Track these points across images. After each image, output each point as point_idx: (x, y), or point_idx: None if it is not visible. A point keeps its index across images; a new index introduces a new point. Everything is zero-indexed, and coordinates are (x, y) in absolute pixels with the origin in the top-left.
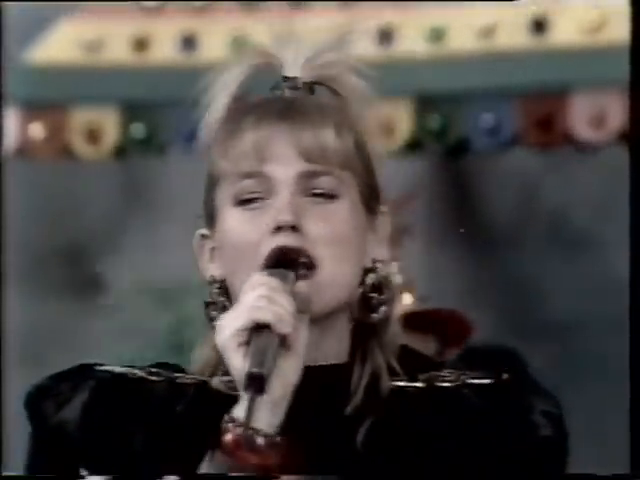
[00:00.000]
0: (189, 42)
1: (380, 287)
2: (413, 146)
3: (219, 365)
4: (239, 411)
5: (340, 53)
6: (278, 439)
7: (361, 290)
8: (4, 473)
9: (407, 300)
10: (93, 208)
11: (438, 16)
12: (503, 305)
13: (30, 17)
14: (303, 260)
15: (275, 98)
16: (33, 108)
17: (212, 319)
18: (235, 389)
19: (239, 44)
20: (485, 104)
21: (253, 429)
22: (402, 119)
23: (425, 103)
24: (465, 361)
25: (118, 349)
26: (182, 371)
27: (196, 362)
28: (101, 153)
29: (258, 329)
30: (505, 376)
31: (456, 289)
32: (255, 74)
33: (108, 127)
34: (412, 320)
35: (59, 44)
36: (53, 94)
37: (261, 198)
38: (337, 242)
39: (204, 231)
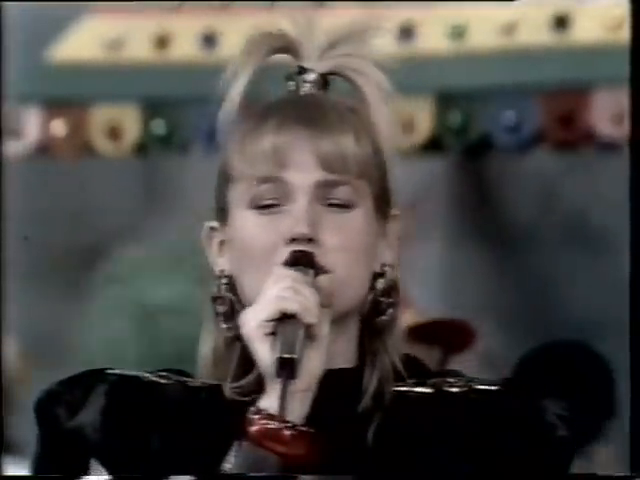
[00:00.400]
0: (210, 39)
1: (389, 291)
2: (434, 144)
3: (228, 365)
4: (265, 402)
5: (359, 45)
6: (304, 429)
7: (371, 295)
8: (4, 473)
9: (407, 316)
10: (114, 205)
11: (459, 13)
12: (523, 305)
13: (51, 15)
14: (318, 269)
15: (294, 99)
16: (54, 106)
17: (218, 314)
18: (245, 394)
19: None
20: (506, 101)
21: (281, 419)
22: (423, 116)
23: (446, 100)
24: (541, 358)
25: (136, 348)
26: (188, 375)
27: (202, 361)
28: (122, 150)
29: (284, 319)
30: (512, 382)
31: (476, 289)
32: (271, 65)
33: (129, 124)
34: (415, 333)
35: (80, 42)
36: (74, 92)
37: (277, 204)
38: (350, 252)
39: (213, 223)
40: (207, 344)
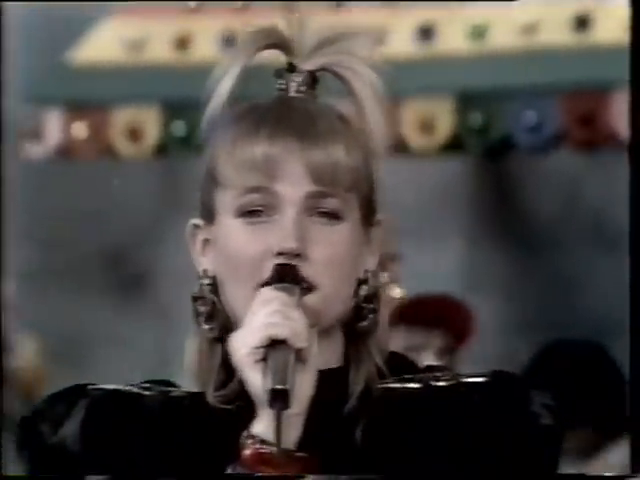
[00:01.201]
0: (229, 40)
1: (371, 297)
2: (454, 144)
3: (211, 370)
4: (258, 427)
5: (349, 44)
6: (299, 454)
7: (354, 301)
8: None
9: (396, 293)
10: (134, 206)
11: (480, 13)
12: (545, 304)
13: (72, 18)
14: (304, 284)
15: (285, 104)
16: (75, 108)
17: (199, 314)
18: (228, 402)
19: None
20: (527, 101)
21: (274, 445)
22: (443, 117)
23: (467, 101)
24: (553, 357)
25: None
26: (173, 385)
27: (187, 367)
28: (142, 152)
29: (274, 345)
30: (499, 374)
31: (496, 288)
32: (260, 61)
33: (149, 126)
34: (411, 311)
35: (101, 44)
36: (95, 94)
37: (265, 213)
38: (337, 266)
39: (197, 221)
40: (190, 348)
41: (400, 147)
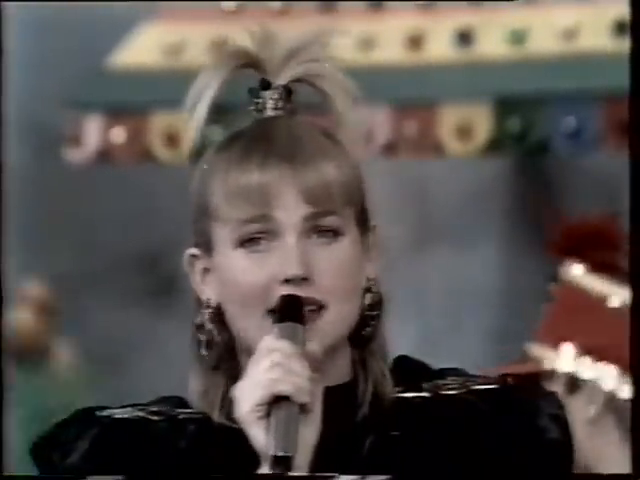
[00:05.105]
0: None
1: (375, 305)
2: (493, 149)
3: (216, 395)
4: (264, 470)
5: (322, 50)
6: None
7: (359, 310)
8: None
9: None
10: (172, 211)
11: (519, 18)
12: None
13: (111, 22)
14: (311, 308)
15: (267, 128)
16: (114, 113)
17: (200, 343)
18: (235, 421)
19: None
20: (566, 107)
21: None
22: (481, 122)
23: (505, 106)
24: None
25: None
26: (184, 404)
27: (191, 392)
28: (180, 157)
29: (277, 401)
30: (510, 381)
31: (532, 293)
32: (236, 76)
33: (187, 131)
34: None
35: (140, 48)
36: (134, 98)
37: (265, 240)
38: (343, 281)
39: (194, 251)
40: (194, 371)
41: (438, 152)
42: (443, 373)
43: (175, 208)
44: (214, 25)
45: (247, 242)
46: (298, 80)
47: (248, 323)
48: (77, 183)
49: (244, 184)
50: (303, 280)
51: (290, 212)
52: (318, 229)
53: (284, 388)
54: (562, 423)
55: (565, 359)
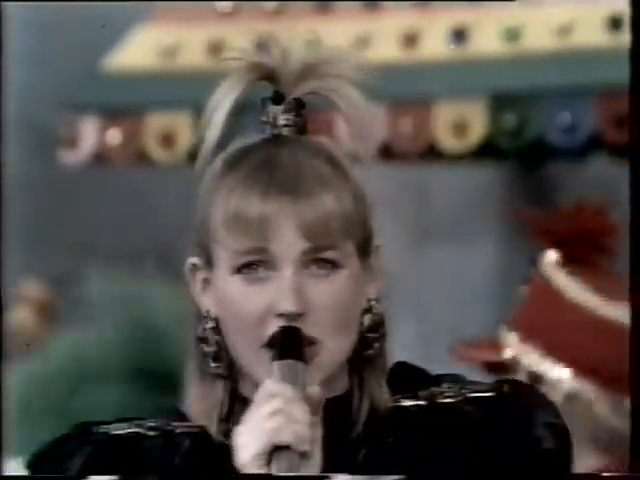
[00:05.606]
0: (262, 46)
1: (376, 326)
2: (488, 146)
3: (214, 408)
4: None
5: (338, 64)
6: None
7: (359, 331)
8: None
9: None
10: (168, 213)
11: (514, 15)
12: None
13: (107, 23)
14: (306, 342)
15: (274, 151)
16: (110, 114)
17: (205, 354)
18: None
19: (313, 46)
20: (562, 103)
21: None
22: (477, 118)
23: (500, 102)
24: None
25: None
26: (182, 416)
27: (190, 405)
28: (176, 158)
29: (278, 449)
30: (506, 388)
31: None
32: (251, 88)
33: (183, 132)
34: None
35: (136, 50)
36: (130, 100)
37: (263, 268)
38: (339, 317)
39: (195, 260)
40: (191, 385)
41: (433, 149)
42: (440, 380)
43: (171, 209)
44: (209, 26)
45: (245, 268)
46: (310, 93)
47: (245, 351)
48: (73, 184)
49: (243, 213)
50: (298, 315)
51: (288, 246)
52: (317, 261)
53: (285, 438)
54: (558, 432)
55: (530, 355)
